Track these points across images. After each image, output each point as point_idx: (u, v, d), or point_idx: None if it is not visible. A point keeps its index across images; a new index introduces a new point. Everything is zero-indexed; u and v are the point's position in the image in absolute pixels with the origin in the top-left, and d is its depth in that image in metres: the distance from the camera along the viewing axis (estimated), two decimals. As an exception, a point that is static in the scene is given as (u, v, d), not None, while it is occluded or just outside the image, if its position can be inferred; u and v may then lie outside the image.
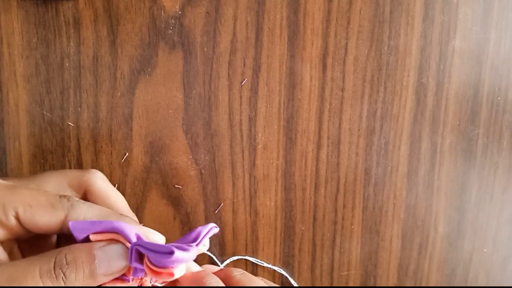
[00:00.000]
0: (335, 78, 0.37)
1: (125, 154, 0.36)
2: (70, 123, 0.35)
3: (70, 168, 0.36)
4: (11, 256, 0.27)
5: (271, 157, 0.38)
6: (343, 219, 0.40)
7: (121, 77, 0.35)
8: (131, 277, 0.25)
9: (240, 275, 0.29)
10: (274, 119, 0.37)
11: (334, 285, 0.41)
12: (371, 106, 0.38)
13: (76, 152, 0.36)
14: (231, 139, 0.37)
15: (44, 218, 0.25)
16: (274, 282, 0.40)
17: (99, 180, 0.30)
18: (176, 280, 0.27)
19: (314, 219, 0.39)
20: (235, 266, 0.39)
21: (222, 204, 0.38)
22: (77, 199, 0.27)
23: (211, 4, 0.35)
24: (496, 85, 0.40)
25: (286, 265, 0.40)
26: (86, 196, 0.30)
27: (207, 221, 0.38)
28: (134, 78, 0.35)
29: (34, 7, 0.34)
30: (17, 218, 0.25)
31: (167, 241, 0.28)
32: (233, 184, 0.38)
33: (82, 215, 0.26)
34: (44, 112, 0.35)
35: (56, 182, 0.30)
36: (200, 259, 0.38)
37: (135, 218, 0.31)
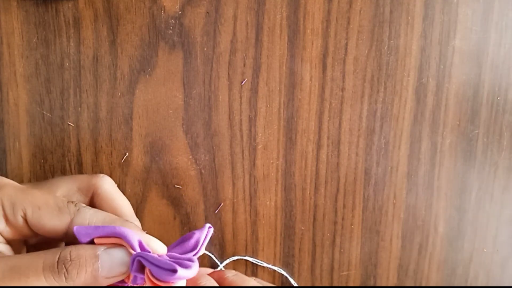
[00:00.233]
0: (335, 78, 0.37)
1: (125, 154, 0.36)
2: (70, 123, 0.35)
3: (70, 168, 0.36)
4: None
5: (271, 157, 0.38)
6: (343, 219, 0.40)
7: (121, 77, 0.35)
8: (130, 284, 0.25)
9: (233, 276, 0.29)
10: (274, 119, 0.37)
11: (334, 285, 0.41)
12: (371, 106, 0.38)
13: (76, 152, 0.36)
14: (231, 139, 0.37)
15: (51, 221, 0.26)
16: (274, 282, 0.40)
17: (106, 184, 0.31)
18: None
19: (314, 219, 0.39)
20: (235, 266, 0.39)
21: (222, 204, 0.38)
22: (84, 205, 0.27)
23: (211, 4, 0.35)
24: (496, 85, 0.40)
25: (286, 265, 0.40)
26: (93, 199, 0.31)
27: (207, 221, 0.38)
28: (134, 78, 0.35)
29: (34, 7, 0.34)
30: (25, 218, 0.26)
31: (167, 241, 0.28)
32: (233, 184, 0.38)
33: (87, 220, 0.26)
34: (44, 112, 0.35)
35: (66, 187, 0.31)
36: (200, 259, 0.38)
37: (139, 224, 0.31)
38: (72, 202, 0.27)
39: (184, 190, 0.37)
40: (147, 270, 0.24)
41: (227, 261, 0.39)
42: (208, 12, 0.35)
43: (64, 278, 0.24)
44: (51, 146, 0.36)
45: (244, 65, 0.36)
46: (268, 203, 0.39)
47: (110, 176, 0.36)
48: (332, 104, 0.38)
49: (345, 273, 0.41)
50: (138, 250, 0.25)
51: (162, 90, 0.36)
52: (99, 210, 0.28)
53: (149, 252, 0.25)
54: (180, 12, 0.35)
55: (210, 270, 0.31)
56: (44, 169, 0.36)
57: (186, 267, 0.24)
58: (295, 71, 0.37)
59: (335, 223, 0.40)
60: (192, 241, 0.27)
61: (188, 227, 0.38)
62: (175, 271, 0.23)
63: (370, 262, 0.41)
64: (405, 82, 0.38)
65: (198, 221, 0.38)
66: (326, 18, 0.36)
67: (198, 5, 0.35)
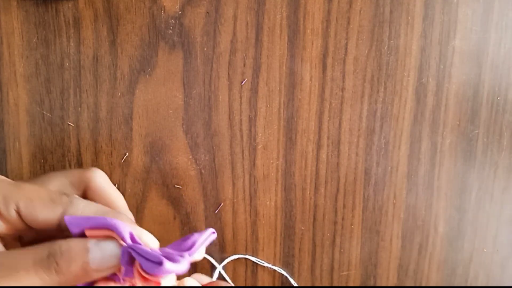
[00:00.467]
0: (335, 78, 0.37)
1: (125, 154, 0.36)
2: (70, 123, 0.35)
3: (70, 168, 0.36)
4: None
5: (271, 157, 0.38)
6: (343, 219, 0.40)
7: (121, 77, 0.35)
8: (122, 277, 0.25)
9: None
10: (274, 119, 0.37)
11: (334, 285, 0.41)
12: (371, 106, 0.38)
13: (76, 152, 0.36)
14: (231, 139, 0.37)
15: (43, 213, 0.26)
16: (274, 282, 0.40)
17: (99, 178, 0.31)
18: None
19: (314, 219, 0.39)
20: (235, 267, 0.39)
21: (222, 204, 0.38)
22: (77, 196, 0.27)
23: (211, 4, 0.35)
24: (496, 85, 0.40)
25: (286, 265, 0.40)
26: (86, 193, 0.31)
27: (207, 221, 0.38)
28: (134, 78, 0.35)
29: (34, 7, 0.34)
30: (18, 212, 0.26)
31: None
32: (233, 184, 0.38)
33: (80, 211, 0.26)
34: (44, 112, 0.35)
35: (58, 182, 0.30)
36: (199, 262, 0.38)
37: (132, 217, 0.31)
38: (65, 193, 0.27)
39: (184, 190, 0.37)
40: (136, 263, 0.24)
41: (228, 259, 0.39)
42: (208, 12, 0.35)
43: (54, 272, 0.24)
44: (51, 146, 0.36)
45: (244, 65, 0.36)
46: (268, 203, 0.39)
47: (110, 176, 0.36)
48: (332, 104, 0.38)
49: (345, 273, 0.41)
50: (129, 242, 0.25)
51: (162, 90, 0.36)
52: (92, 202, 0.27)
53: (140, 244, 0.25)
54: (180, 12, 0.35)
55: (208, 279, 0.31)
56: (44, 169, 0.36)
57: (174, 261, 0.23)
58: (295, 71, 0.37)
59: (335, 223, 0.40)
60: (189, 242, 0.27)
61: (188, 227, 0.38)
62: (161, 263, 0.22)
63: (370, 262, 0.41)
64: (405, 82, 0.38)
65: (198, 221, 0.38)
66: (326, 18, 0.36)
67: (198, 5, 0.35)
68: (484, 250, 0.43)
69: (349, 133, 0.38)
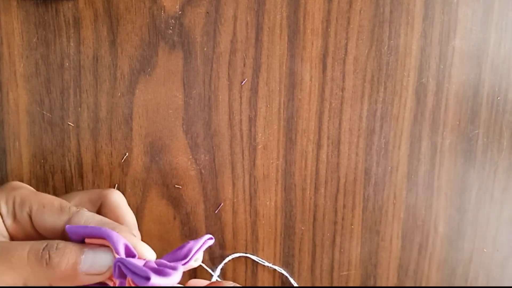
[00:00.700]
0: (335, 78, 0.37)
1: (125, 154, 0.36)
2: (70, 123, 0.35)
3: (70, 168, 0.36)
4: None
5: (271, 157, 0.38)
6: (343, 219, 0.40)
7: (121, 77, 0.35)
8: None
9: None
10: (274, 119, 0.37)
11: (334, 285, 0.41)
12: (371, 106, 0.38)
13: (76, 152, 0.36)
14: (231, 139, 0.37)
15: (51, 219, 0.27)
16: (274, 282, 0.40)
17: (114, 196, 0.32)
18: None
19: (314, 219, 0.39)
20: (235, 267, 0.39)
21: (222, 204, 0.38)
22: (84, 209, 0.28)
23: (211, 4, 0.35)
24: (496, 85, 0.40)
25: (286, 265, 0.40)
26: (100, 209, 0.32)
27: (207, 221, 0.38)
28: (134, 78, 0.35)
29: (34, 7, 0.34)
30: (30, 215, 0.27)
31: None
32: (233, 184, 0.38)
33: (83, 220, 0.27)
34: (44, 112, 0.35)
35: (78, 198, 0.32)
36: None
37: (139, 235, 0.31)
38: (77, 207, 0.28)
39: (184, 190, 0.37)
40: (128, 277, 0.24)
41: (229, 257, 0.39)
42: (208, 12, 0.35)
43: (45, 263, 0.25)
44: (51, 146, 0.36)
45: (244, 65, 0.36)
46: (268, 203, 0.39)
47: (110, 176, 0.36)
48: (332, 104, 0.38)
49: (345, 273, 0.41)
50: (123, 253, 0.25)
51: (162, 90, 0.36)
52: (97, 215, 0.28)
53: (135, 256, 0.25)
54: (180, 12, 0.35)
55: (206, 282, 0.31)
56: (44, 169, 0.36)
57: (163, 275, 0.23)
58: (295, 71, 0.37)
59: (335, 223, 0.40)
60: (184, 250, 0.27)
61: (188, 227, 0.38)
62: (148, 278, 0.23)
63: (370, 262, 0.41)
64: (405, 82, 0.38)
65: (198, 221, 0.38)
66: (326, 18, 0.36)
67: (198, 5, 0.35)
68: (484, 250, 0.43)
69: (349, 133, 0.38)
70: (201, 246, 0.27)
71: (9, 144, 0.35)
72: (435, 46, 0.38)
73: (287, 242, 0.40)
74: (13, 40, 0.34)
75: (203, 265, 0.38)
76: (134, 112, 0.36)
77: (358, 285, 0.41)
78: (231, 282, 0.28)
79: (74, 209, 0.28)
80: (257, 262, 0.39)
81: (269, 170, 0.38)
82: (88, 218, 0.27)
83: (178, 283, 0.26)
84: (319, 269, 0.40)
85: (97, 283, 0.26)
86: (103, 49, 0.35)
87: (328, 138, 0.38)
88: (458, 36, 0.38)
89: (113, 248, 0.25)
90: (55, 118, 0.35)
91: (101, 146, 0.36)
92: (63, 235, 0.27)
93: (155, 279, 0.23)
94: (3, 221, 0.27)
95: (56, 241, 0.26)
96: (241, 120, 0.37)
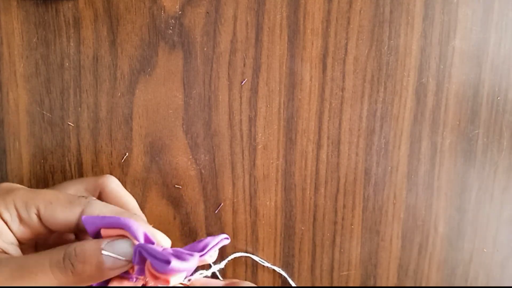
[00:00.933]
0: (335, 78, 0.37)
1: (125, 154, 0.36)
2: (70, 123, 0.35)
3: (70, 168, 0.36)
4: None
5: (271, 157, 0.38)
6: (343, 219, 0.40)
7: (121, 77, 0.35)
8: (135, 276, 0.26)
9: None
10: (274, 119, 0.37)
11: (334, 285, 0.41)
12: (371, 106, 0.38)
13: (76, 152, 0.36)
14: (231, 139, 0.37)
15: (63, 214, 0.27)
16: (274, 282, 0.40)
17: (112, 183, 0.32)
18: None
19: (314, 219, 0.39)
20: (235, 267, 0.39)
21: (222, 204, 0.38)
22: (94, 198, 0.28)
23: (211, 4, 0.35)
24: (496, 85, 0.40)
25: (286, 265, 0.40)
26: (100, 198, 0.32)
27: (207, 221, 0.38)
28: (134, 78, 0.35)
29: (34, 7, 0.34)
30: (38, 215, 0.27)
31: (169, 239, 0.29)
32: (233, 184, 0.38)
33: (97, 211, 0.27)
34: (44, 112, 0.35)
35: (74, 188, 0.32)
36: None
37: (145, 219, 0.32)
38: (83, 196, 0.28)
39: (184, 190, 0.37)
40: (147, 262, 0.25)
41: (230, 257, 0.39)
42: (208, 12, 0.35)
43: (71, 273, 0.25)
44: (51, 146, 0.36)
45: (244, 65, 0.36)
46: (268, 203, 0.39)
47: (110, 176, 0.36)
48: (332, 104, 0.38)
49: (345, 273, 0.41)
50: (142, 241, 0.26)
51: (162, 90, 0.36)
52: (109, 204, 0.28)
53: (153, 243, 0.26)
54: (180, 12, 0.35)
55: (222, 283, 0.31)
56: (44, 169, 0.36)
57: (182, 259, 0.24)
58: (295, 71, 0.37)
59: (335, 223, 0.40)
60: (201, 244, 0.27)
61: (188, 227, 0.38)
62: (168, 262, 0.23)
63: (370, 262, 0.41)
64: (405, 82, 0.38)
65: (198, 221, 0.38)
66: (326, 18, 0.36)
67: (198, 5, 0.35)
68: (484, 250, 0.43)
69: (349, 133, 0.38)
70: (218, 243, 0.28)
71: (9, 144, 0.35)
72: (435, 46, 0.38)
73: (287, 242, 0.40)
74: (13, 40, 0.34)
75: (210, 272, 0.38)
76: (134, 112, 0.36)
77: (358, 285, 0.41)
78: (248, 282, 0.28)
79: (83, 199, 0.28)
80: (257, 262, 0.39)
81: (269, 170, 0.38)
82: (102, 208, 0.27)
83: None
84: (319, 269, 0.40)
85: (102, 282, 0.26)
86: (103, 49, 0.35)
87: (328, 138, 0.38)
88: (458, 36, 0.38)
89: (132, 237, 0.26)
90: (55, 118, 0.35)
91: (101, 146, 0.36)
92: (76, 227, 0.27)
93: (175, 263, 0.23)
94: (9, 228, 0.27)
95: (72, 245, 0.26)
96: (241, 120, 0.37)
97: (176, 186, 0.37)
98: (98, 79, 0.35)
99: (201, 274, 0.30)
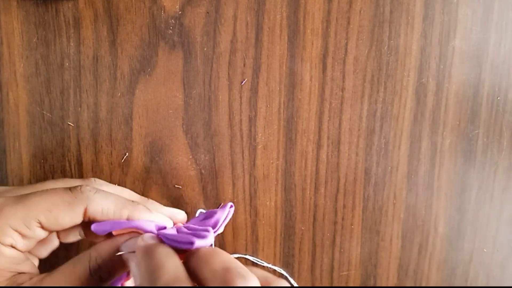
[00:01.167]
0: (335, 78, 0.37)
1: (125, 154, 0.36)
2: (70, 123, 0.35)
3: (70, 168, 0.36)
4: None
5: (271, 157, 0.38)
6: (343, 219, 0.40)
7: (121, 77, 0.35)
8: None
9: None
10: (274, 119, 0.37)
11: (334, 285, 0.41)
12: (371, 106, 0.38)
13: (76, 152, 0.36)
14: (231, 139, 0.37)
15: (66, 218, 0.27)
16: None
17: (98, 186, 0.31)
18: None
19: (314, 219, 0.39)
20: (235, 266, 0.39)
21: (222, 204, 0.38)
22: (89, 188, 0.28)
23: (211, 4, 0.35)
24: (496, 85, 0.40)
25: (286, 265, 0.40)
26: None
27: (207, 221, 0.38)
28: (134, 78, 0.35)
29: (34, 7, 0.34)
30: (41, 226, 0.27)
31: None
32: (233, 184, 0.38)
33: (100, 205, 0.27)
34: (44, 112, 0.35)
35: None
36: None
37: (146, 200, 0.33)
38: (75, 188, 0.28)
39: (184, 190, 0.37)
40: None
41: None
42: (208, 12, 0.35)
43: (102, 283, 0.26)
44: (51, 146, 0.36)
45: (244, 65, 0.36)
46: (268, 203, 0.39)
47: (110, 176, 0.36)
48: (332, 104, 0.38)
49: (345, 273, 0.41)
50: (156, 232, 0.27)
51: (162, 90, 0.36)
52: (108, 193, 0.28)
53: (165, 228, 0.28)
54: (180, 12, 0.35)
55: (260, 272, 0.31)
56: (44, 169, 0.36)
57: (202, 237, 0.25)
58: (295, 71, 0.37)
59: (335, 223, 0.40)
60: (212, 220, 0.29)
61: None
62: (192, 243, 0.25)
63: (370, 262, 0.41)
64: (405, 82, 0.38)
65: (198, 221, 0.38)
66: (326, 18, 0.36)
67: (198, 5, 0.35)
68: (484, 250, 0.43)
69: (349, 133, 0.38)
70: (227, 215, 0.30)
71: (9, 144, 0.35)
72: (435, 46, 0.38)
73: (287, 242, 0.40)
74: (13, 40, 0.34)
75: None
76: (134, 112, 0.36)
77: (358, 285, 0.41)
78: (283, 281, 0.27)
79: (80, 195, 0.27)
80: (257, 263, 0.39)
81: (269, 170, 0.38)
82: (103, 202, 0.27)
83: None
84: (319, 269, 0.40)
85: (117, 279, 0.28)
86: (103, 49, 0.35)
87: (328, 138, 0.38)
88: (458, 36, 0.38)
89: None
90: (55, 118, 0.35)
91: (101, 146, 0.36)
92: (83, 220, 0.28)
93: (198, 242, 0.25)
94: (19, 250, 0.26)
95: (92, 255, 0.26)
96: (241, 120, 0.37)
97: (176, 186, 0.37)
98: (98, 79, 0.35)
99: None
